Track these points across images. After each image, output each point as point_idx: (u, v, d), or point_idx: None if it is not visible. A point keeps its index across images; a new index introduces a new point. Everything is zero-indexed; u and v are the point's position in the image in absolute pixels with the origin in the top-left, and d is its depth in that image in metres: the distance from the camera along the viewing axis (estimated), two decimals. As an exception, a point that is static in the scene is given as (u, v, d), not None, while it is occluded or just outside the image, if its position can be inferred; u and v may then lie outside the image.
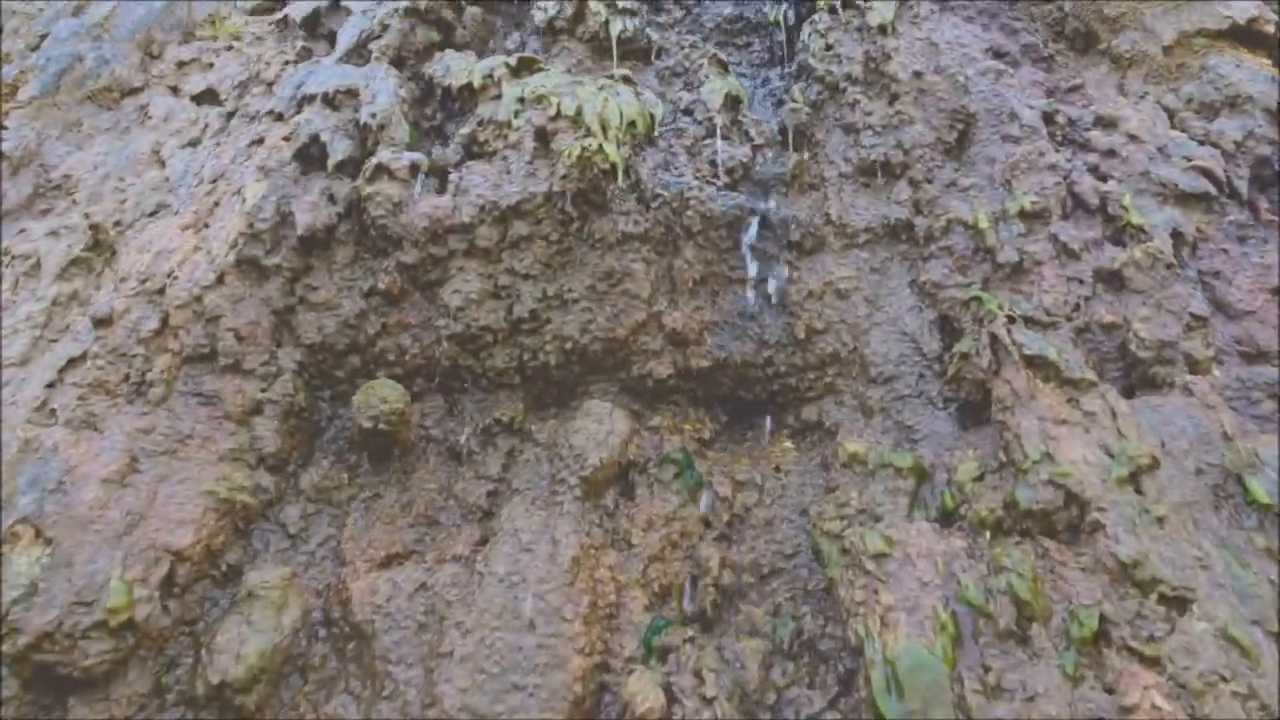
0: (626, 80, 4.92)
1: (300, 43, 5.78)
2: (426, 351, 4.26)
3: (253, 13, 6.83)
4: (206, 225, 4.45)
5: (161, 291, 4.13)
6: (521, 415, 4.19)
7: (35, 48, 6.08)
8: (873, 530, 3.47)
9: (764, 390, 4.34)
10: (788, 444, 4.24)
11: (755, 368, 4.30)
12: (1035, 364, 3.78)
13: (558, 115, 4.50)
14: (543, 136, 4.49)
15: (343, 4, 5.85)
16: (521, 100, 4.65)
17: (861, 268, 4.52)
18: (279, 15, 6.15)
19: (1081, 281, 4.15)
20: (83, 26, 5.98)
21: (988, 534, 3.44)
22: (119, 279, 4.26)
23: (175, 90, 5.92)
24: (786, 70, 5.77)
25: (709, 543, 3.83)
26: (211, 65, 6.16)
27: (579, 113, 4.46)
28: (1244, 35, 5.02)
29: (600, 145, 4.29)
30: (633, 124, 4.56)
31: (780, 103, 5.39)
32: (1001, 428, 3.68)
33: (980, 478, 3.64)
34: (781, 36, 6.03)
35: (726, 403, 4.36)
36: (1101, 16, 5.35)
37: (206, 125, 5.50)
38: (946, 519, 3.63)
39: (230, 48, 6.36)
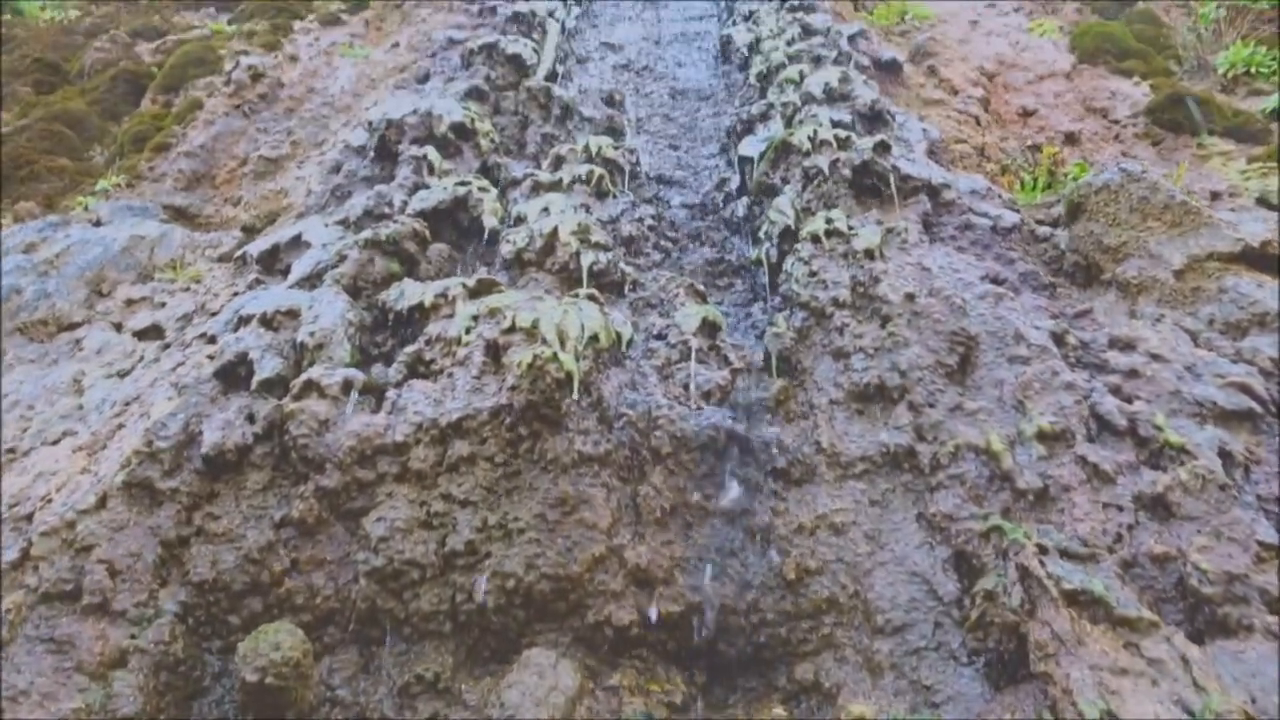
0: (592, 298, 4.50)
1: (254, 275, 5.45)
2: (341, 592, 3.54)
3: (219, 260, 6.61)
4: (104, 447, 3.87)
5: (30, 518, 3.49)
6: (450, 672, 3.40)
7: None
8: (889, 819, 2.65)
9: (748, 643, 3.56)
10: (779, 709, 3.41)
11: (737, 614, 3.56)
12: (1079, 601, 3.06)
13: (512, 328, 4.03)
14: (494, 351, 4.00)
15: (303, 239, 5.58)
16: (475, 318, 4.21)
17: (859, 500, 3.89)
18: (238, 253, 5.89)
19: (1120, 508, 3.51)
20: (29, 262, 5.70)
21: (1042, 823, 2.61)
22: (-13, 505, 3.63)
23: (118, 326, 5.55)
24: (770, 304, 5.41)
25: (678, 839, 2.94)
26: (164, 305, 5.84)
27: (535, 325, 3.99)
28: (1257, 258, 4.68)
29: (555, 354, 3.78)
30: (595, 338, 4.08)
31: (763, 334, 4.97)
32: (1045, 681, 2.91)
33: (1024, 748, 2.84)
34: (765, 278, 5.73)
35: (702, 658, 3.55)
36: (1102, 247, 5.04)
37: (142, 357, 5.06)
38: (985, 804, 2.79)
39: (187, 289, 6.07)
